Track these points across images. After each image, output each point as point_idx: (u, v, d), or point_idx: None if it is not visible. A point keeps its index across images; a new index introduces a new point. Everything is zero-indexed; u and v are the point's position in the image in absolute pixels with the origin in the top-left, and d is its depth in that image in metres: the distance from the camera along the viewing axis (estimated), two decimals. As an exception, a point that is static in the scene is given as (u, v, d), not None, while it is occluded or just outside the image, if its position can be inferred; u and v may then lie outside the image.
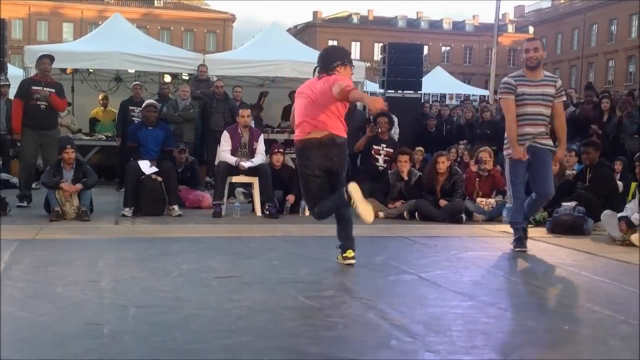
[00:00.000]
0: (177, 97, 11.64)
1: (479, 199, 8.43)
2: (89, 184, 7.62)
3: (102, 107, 13.37)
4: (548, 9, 60.47)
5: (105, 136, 12.58)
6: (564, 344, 3.14)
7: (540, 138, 5.74)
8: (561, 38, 56.25)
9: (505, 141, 5.88)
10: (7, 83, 11.98)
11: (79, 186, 7.49)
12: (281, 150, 9.03)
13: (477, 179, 8.58)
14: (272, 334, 3.15)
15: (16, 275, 4.28)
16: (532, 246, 6.15)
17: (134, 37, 14.66)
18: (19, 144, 8.97)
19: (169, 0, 62.02)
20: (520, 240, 5.78)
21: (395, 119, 13.11)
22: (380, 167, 9.09)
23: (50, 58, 8.70)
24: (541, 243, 6.30)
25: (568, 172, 8.97)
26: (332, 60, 4.95)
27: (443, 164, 8.33)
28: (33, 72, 12.89)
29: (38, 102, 8.46)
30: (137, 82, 12.41)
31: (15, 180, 10.84)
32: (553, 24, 56.95)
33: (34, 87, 8.49)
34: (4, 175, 11.15)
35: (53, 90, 8.56)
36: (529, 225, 7.49)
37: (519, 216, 5.83)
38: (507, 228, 7.34)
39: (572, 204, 7.08)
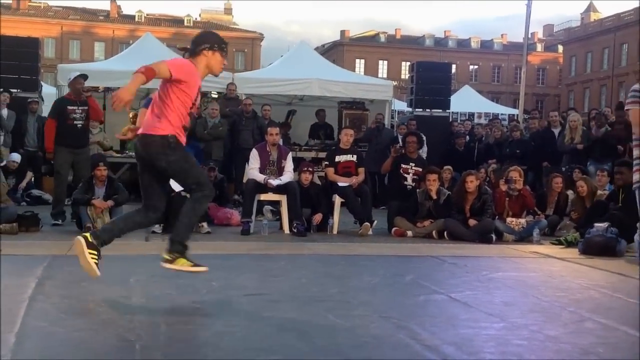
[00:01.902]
0: (206, 116, 11.75)
1: (508, 219, 8.34)
2: (120, 200, 7.72)
3: (132, 125, 13.54)
4: (577, 28, 60.08)
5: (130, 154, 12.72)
6: (599, 367, 3.08)
7: None
8: (591, 57, 55.78)
9: (635, 162, 5.19)
10: (36, 99, 12.18)
11: (110, 203, 7.60)
12: (310, 168, 9.04)
13: (507, 199, 8.48)
14: (301, 353, 3.14)
15: (49, 291, 4.33)
16: (564, 267, 6.10)
17: (165, 56, 14.82)
18: (53, 162, 9.11)
19: (199, 20, 62.82)
20: None
21: (424, 138, 13.09)
22: (408, 186, 9.03)
23: (84, 77, 8.86)
24: (573, 264, 6.21)
25: (599, 192, 8.86)
26: (199, 43, 4.33)
27: (472, 183, 8.28)
28: (66, 90, 13.16)
29: (75, 122, 8.62)
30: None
31: (47, 196, 11.02)
32: (583, 43, 56.53)
33: (70, 107, 8.64)
34: (36, 192, 11.33)
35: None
36: (561, 246, 7.44)
37: None
38: (538, 249, 7.31)
39: (605, 225, 6.98)
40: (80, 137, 8.76)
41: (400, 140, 12.69)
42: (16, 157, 11.51)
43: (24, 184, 11.24)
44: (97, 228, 7.40)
